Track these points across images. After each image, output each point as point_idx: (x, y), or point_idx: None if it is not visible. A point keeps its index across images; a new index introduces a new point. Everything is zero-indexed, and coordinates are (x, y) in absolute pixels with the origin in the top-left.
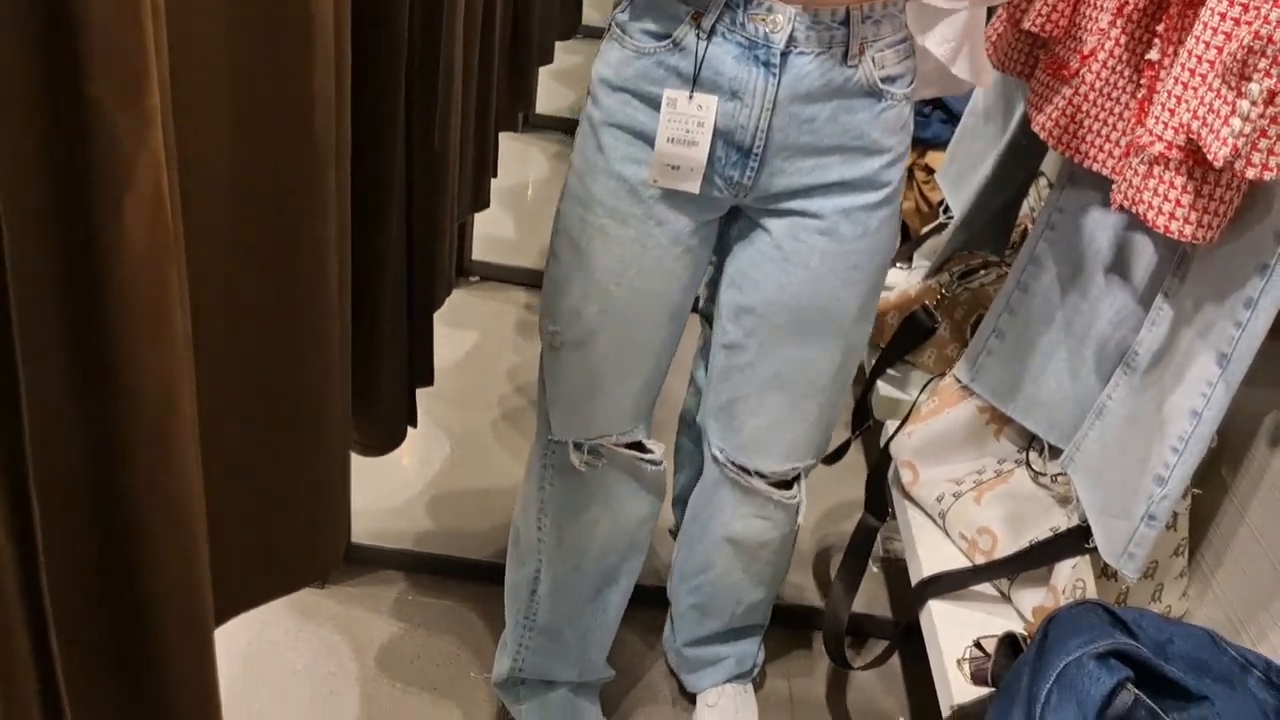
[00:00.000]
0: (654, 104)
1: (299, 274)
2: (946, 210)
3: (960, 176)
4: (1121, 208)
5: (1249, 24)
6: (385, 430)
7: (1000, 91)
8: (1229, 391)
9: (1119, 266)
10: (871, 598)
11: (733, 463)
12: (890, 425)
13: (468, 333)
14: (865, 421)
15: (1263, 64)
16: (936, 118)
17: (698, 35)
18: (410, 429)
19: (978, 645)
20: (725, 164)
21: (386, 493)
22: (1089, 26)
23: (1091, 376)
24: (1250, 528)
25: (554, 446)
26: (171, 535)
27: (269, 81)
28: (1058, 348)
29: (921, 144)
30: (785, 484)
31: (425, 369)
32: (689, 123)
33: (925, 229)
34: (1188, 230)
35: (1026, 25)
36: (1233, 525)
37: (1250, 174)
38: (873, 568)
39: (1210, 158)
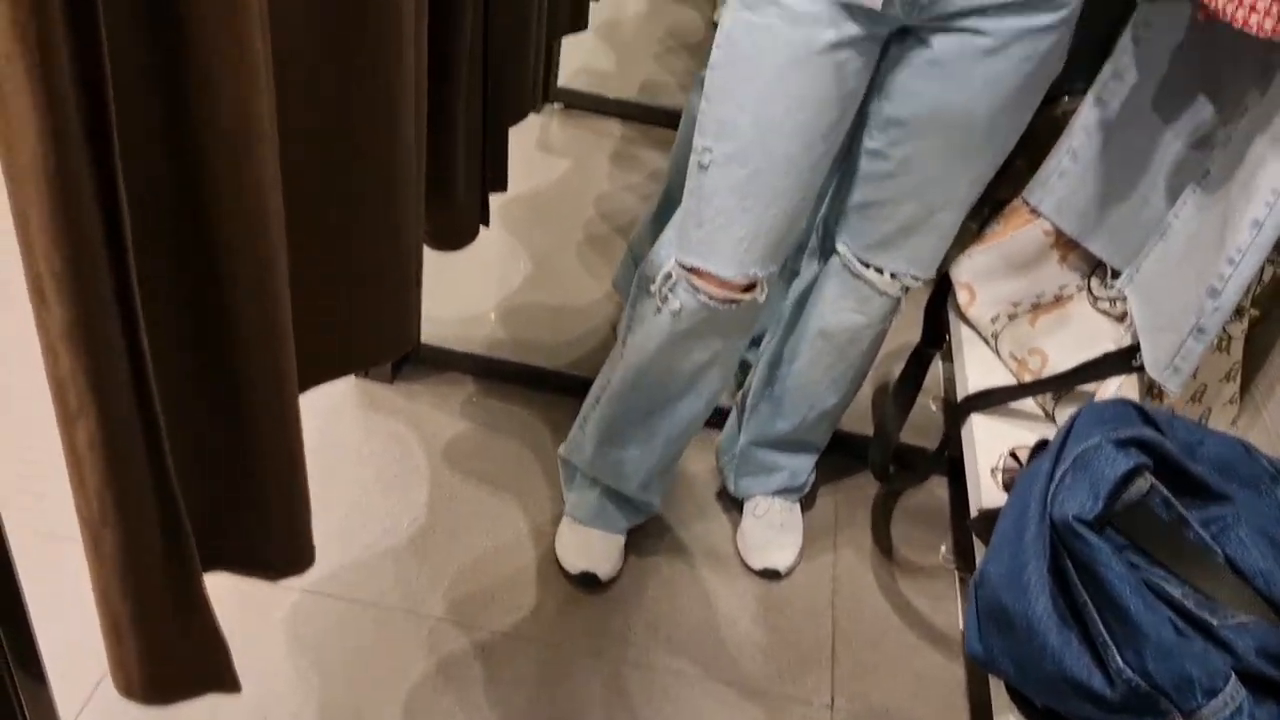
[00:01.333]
0: None
1: (376, 53)
2: None
3: None
4: (1208, 18)
5: None
6: (458, 224)
7: None
8: None
9: (1204, 83)
10: (928, 435)
11: (858, 259)
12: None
13: (556, 159)
14: None
15: None
16: None
17: None
18: (486, 230)
19: (1012, 455)
20: None
21: (461, 301)
22: None
23: (1162, 201)
24: None
25: (662, 279)
26: (251, 253)
27: None
28: (1131, 169)
29: None
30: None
31: (500, 172)
32: None
33: None
34: (1268, 25)
35: None
36: None
37: None
38: (931, 406)
39: None
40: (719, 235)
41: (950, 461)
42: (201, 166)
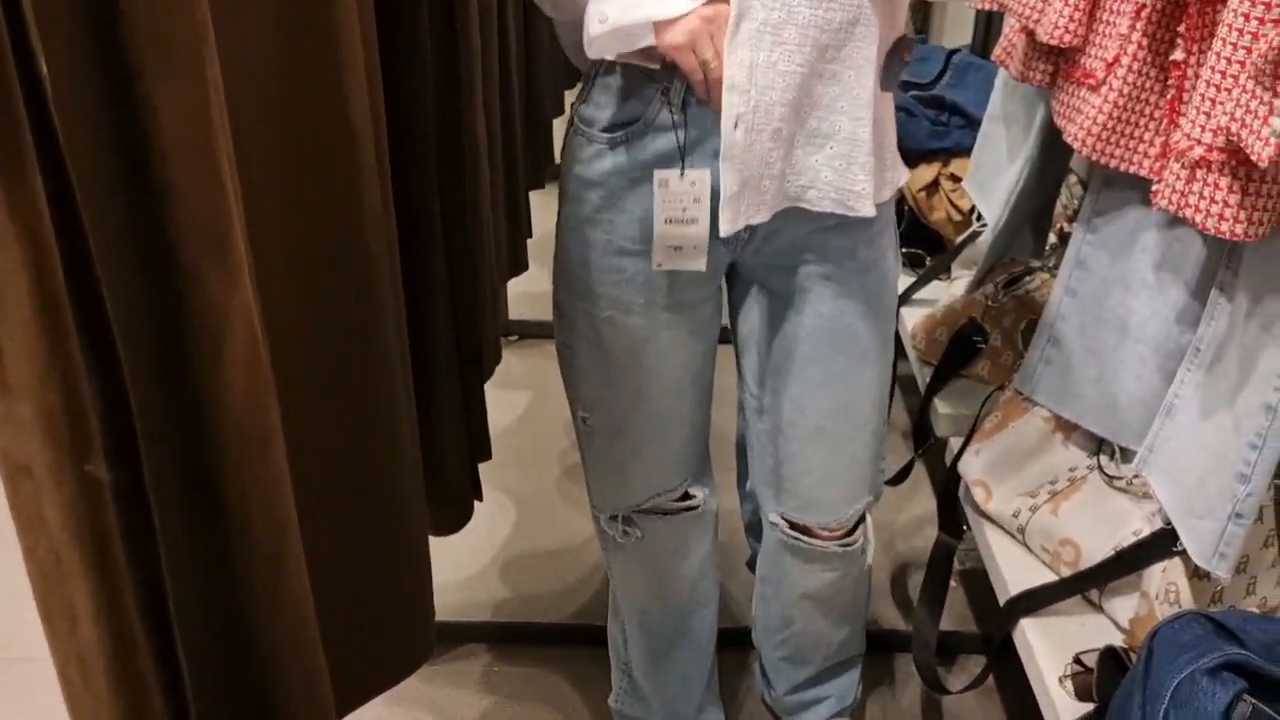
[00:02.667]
0: (640, 189)
1: (370, 374)
2: (979, 217)
3: (988, 182)
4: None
5: (1275, 23)
6: (454, 508)
7: (1018, 94)
8: None
9: (1167, 263)
10: (956, 614)
11: (792, 524)
12: (954, 442)
13: (518, 393)
14: (927, 440)
15: None
16: (955, 124)
17: (671, 110)
18: (479, 501)
19: (1078, 661)
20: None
21: (459, 565)
22: (1109, 33)
23: (1154, 376)
24: None
25: (598, 515)
26: (294, 658)
27: (324, 221)
28: (1116, 349)
29: (943, 153)
30: (848, 532)
31: (483, 442)
32: (684, 200)
33: (960, 238)
34: (1239, 229)
35: (1042, 38)
36: None
37: None
38: (951, 582)
39: (1255, 158)
40: (630, 481)
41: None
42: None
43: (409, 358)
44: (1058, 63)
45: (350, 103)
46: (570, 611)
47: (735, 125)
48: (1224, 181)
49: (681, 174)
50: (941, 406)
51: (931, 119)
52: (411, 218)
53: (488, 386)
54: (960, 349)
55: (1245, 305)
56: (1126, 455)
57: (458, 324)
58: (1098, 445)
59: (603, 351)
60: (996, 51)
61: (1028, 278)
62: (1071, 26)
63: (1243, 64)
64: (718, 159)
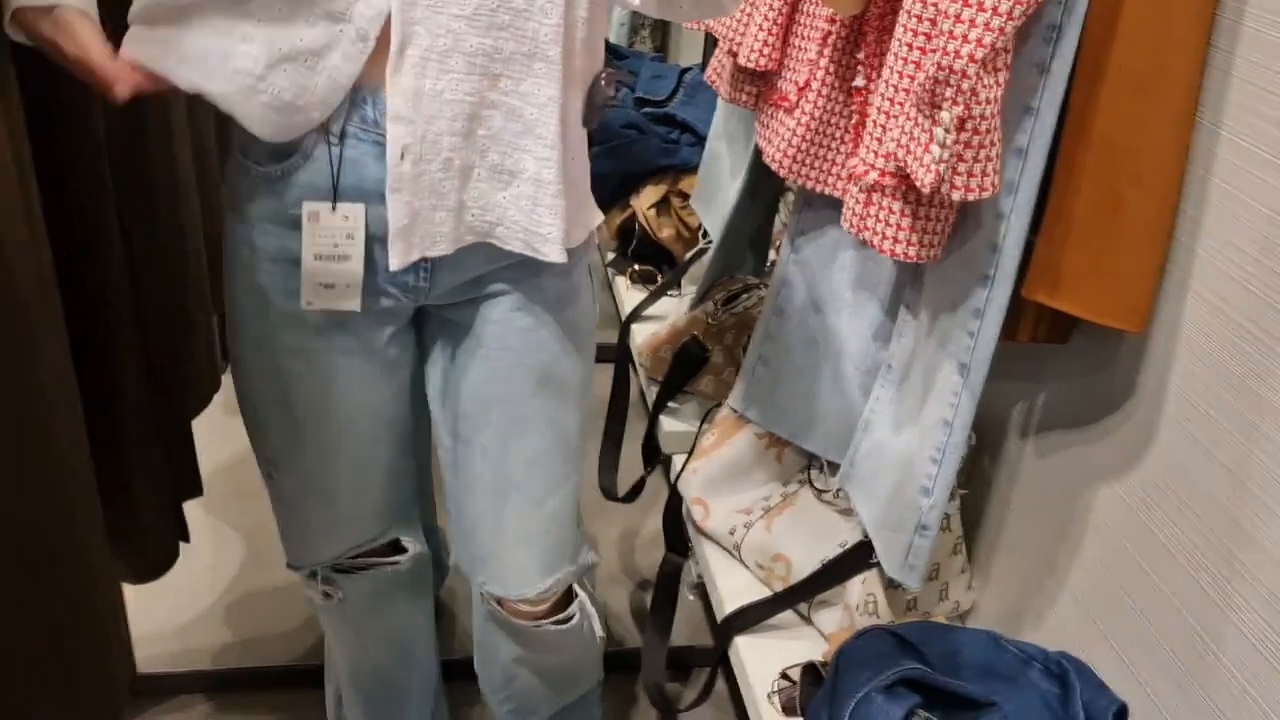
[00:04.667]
0: (298, 224)
1: (20, 418)
2: (706, 234)
3: (712, 199)
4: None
5: (932, 53)
6: (152, 554)
7: (738, 113)
8: (974, 399)
9: (863, 282)
10: (694, 628)
11: (495, 598)
12: (678, 459)
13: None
14: (654, 457)
15: (949, 92)
16: (685, 141)
17: (329, 142)
18: (186, 543)
19: (784, 676)
20: (395, 271)
21: (175, 610)
22: (800, 58)
23: (856, 391)
24: (1014, 516)
25: (305, 581)
26: None
27: None
28: (820, 366)
29: (672, 170)
30: (555, 607)
31: (191, 480)
32: (336, 235)
33: (688, 254)
34: (912, 251)
35: (741, 61)
36: (999, 516)
37: (955, 196)
38: (689, 596)
39: (918, 185)
40: (323, 535)
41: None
42: None
43: (76, 398)
44: (760, 85)
45: None
46: (298, 653)
47: (401, 156)
48: (896, 205)
49: (334, 207)
50: (667, 424)
51: (662, 136)
52: (83, 250)
53: (219, 415)
54: (683, 366)
55: (926, 323)
56: (836, 470)
57: (150, 359)
58: (809, 460)
59: (282, 400)
60: (708, 72)
61: (745, 295)
62: (767, 51)
63: (907, 91)
64: (378, 200)
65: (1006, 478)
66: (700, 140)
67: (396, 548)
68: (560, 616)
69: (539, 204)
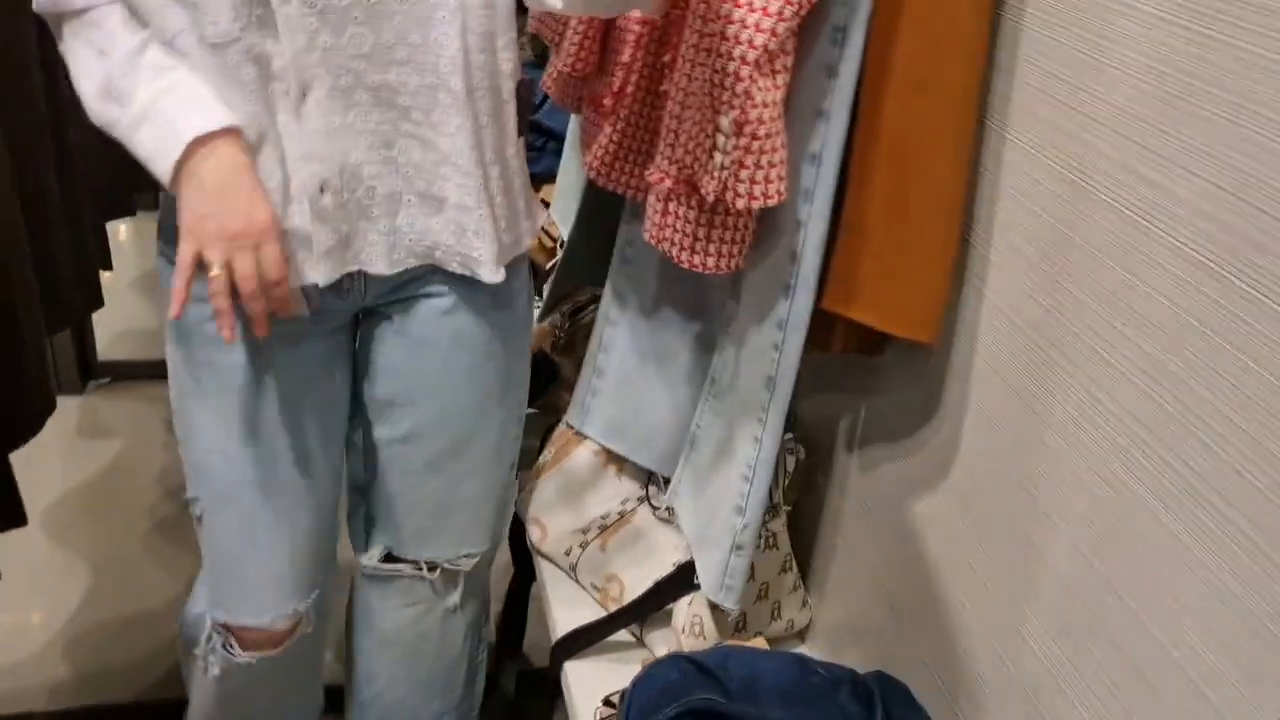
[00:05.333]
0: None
1: None
2: (564, 244)
3: (567, 208)
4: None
5: (709, 64)
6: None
7: None
8: (781, 413)
9: (690, 293)
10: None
11: (390, 557)
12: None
13: (106, 441)
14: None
15: (725, 95)
16: (550, 150)
17: None
18: (29, 545)
19: (607, 702)
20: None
21: (7, 648)
22: (616, 61)
23: (687, 406)
24: (846, 530)
25: (205, 641)
26: None
27: None
28: (653, 380)
29: (536, 179)
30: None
31: (12, 510)
32: None
33: (549, 264)
34: (710, 262)
35: (560, 67)
36: (832, 530)
37: (740, 205)
38: None
39: (703, 192)
40: (241, 584)
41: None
42: None
43: None
44: (584, 90)
45: None
46: (144, 685)
47: (322, 191)
48: (690, 214)
49: None
50: (524, 441)
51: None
52: None
53: (74, 434)
54: (533, 381)
55: (739, 336)
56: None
57: None
58: (648, 477)
59: (216, 412)
60: (544, 79)
61: (592, 306)
62: (583, 55)
63: (695, 95)
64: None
65: (837, 491)
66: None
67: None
68: (447, 584)
69: (466, 229)
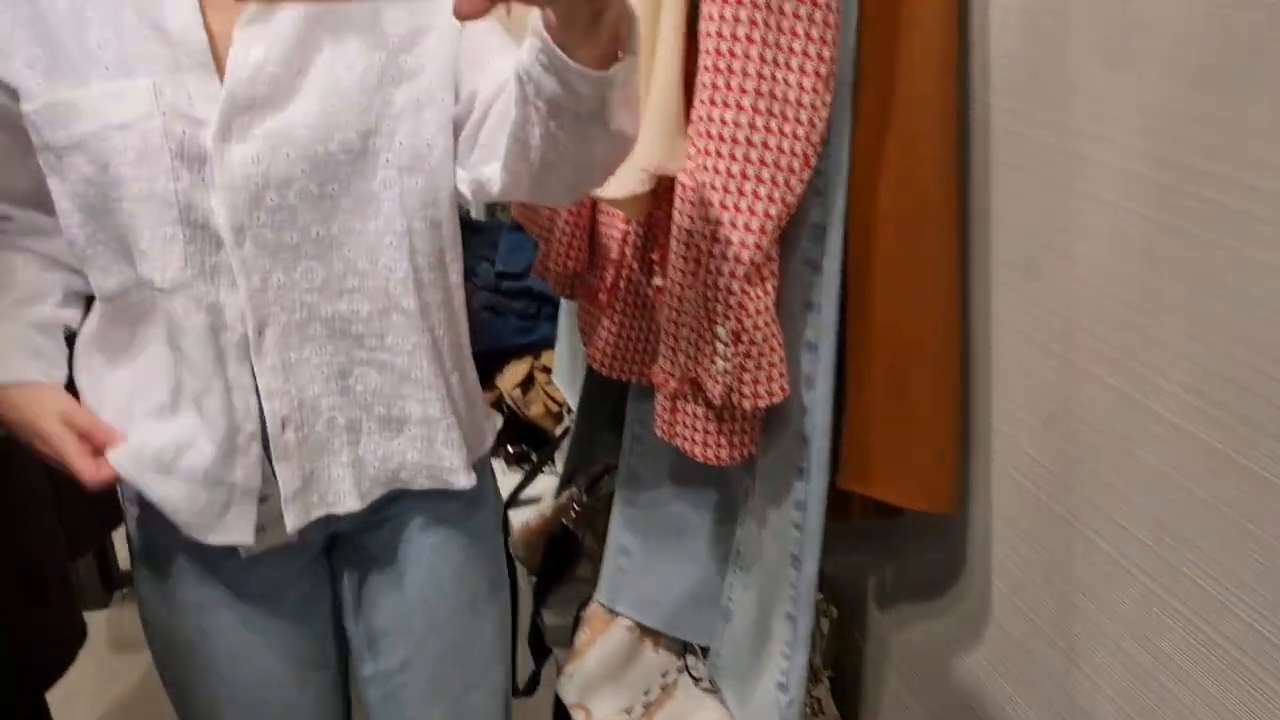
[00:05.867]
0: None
1: None
2: (571, 410)
3: (574, 375)
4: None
5: (697, 271)
6: None
7: None
8: (811, 588)
9: (704, 466)
10: None
11: None
12: (560, 653)
13: (136, 655)
14: (542, 651)
15: (719, 308)
16: (544, 315)
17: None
18: None
19: None
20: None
21: None
22: (606, 257)
23: (715, 576)
24: (889, 689)
25: None
26: None
27: None
28: (678, 553)
29: (533, 347)
30: None
31: None
32: None
33: (559, 429)
34: (723, 454)
35: (551, 265)
36: (875, 689)
37: (746, 405)
38: None
39: (710, 396)
40: None
41: None
42: None
43: None
44: (575, 280)
45: None
46: None
47: (283, 427)
48: (700, 411)
49: None
50: (549, 617)
51: (519, 313)
52: None
53: (105, 652)
54: (557, 557)
55: (759, 512)
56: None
57: None
58: (683, 647)
59: (200, 659)
60: (535, 264)
61: (608, 477)
62: (573, 254)
63: (691, 302)
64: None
65: (876, 649)
66: (558, 312)
67: None
68: None
69: (434, 441)
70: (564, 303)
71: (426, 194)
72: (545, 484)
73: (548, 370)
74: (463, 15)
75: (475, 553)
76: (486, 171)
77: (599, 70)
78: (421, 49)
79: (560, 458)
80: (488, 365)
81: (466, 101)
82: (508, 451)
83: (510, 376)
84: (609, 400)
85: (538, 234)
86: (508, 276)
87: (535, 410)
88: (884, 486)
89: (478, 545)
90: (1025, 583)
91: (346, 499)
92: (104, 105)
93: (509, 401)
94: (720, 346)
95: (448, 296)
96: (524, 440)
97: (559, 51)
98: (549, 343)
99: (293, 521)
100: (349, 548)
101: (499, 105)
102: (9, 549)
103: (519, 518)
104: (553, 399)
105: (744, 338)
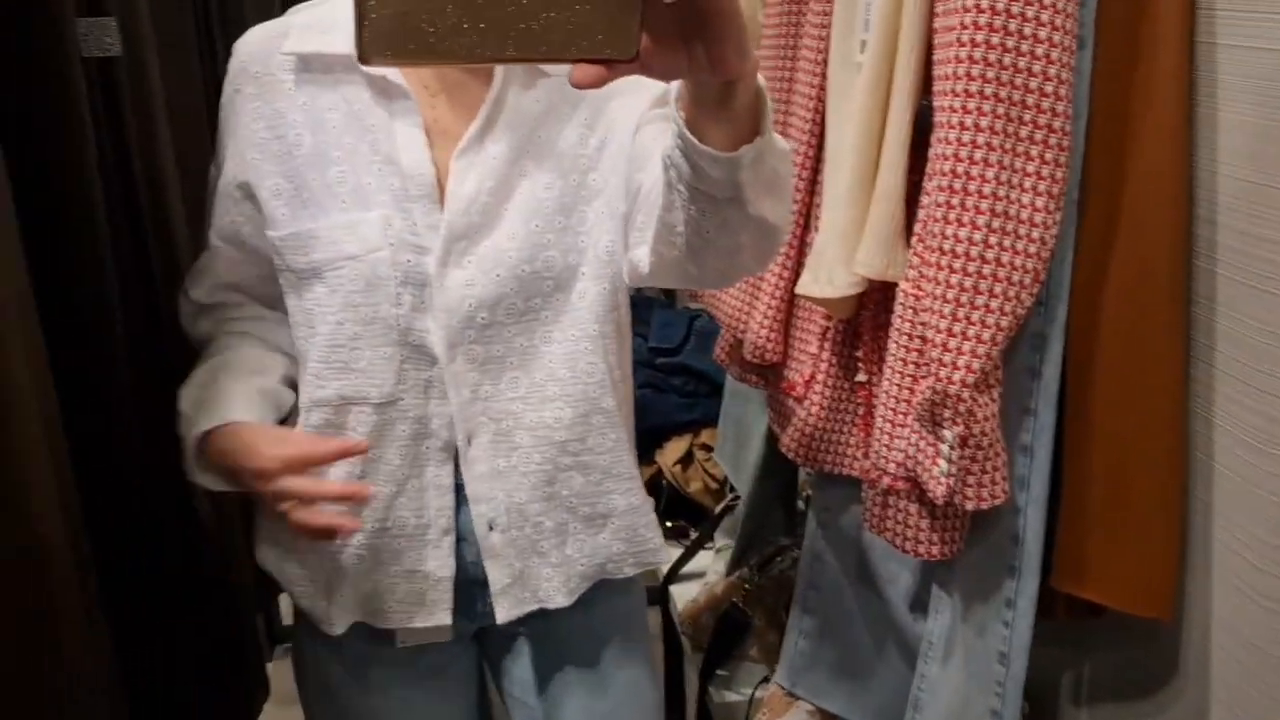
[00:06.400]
0: None
1: None
2: (734, 488)
3: (737, 454)
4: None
5: (925, 376)
6: None
7: None
8: (1018, 686)
9: (895, 553)
10: None
11: None
12: None
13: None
14: None
15: (947, 414)
16: (702, 393)
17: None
18: None
19: None
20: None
21: None
22: (803, 350)
23: (901, 663)
24: None
25: None
26: None
27: None
28: (863, 639)
29: (694, 425)
30: None
31: None
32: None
33: (719, 507)
34: (935, 550)
35: (746, 355)
36: None
37: (969, 506)
38: None
39: (931, 496)
40: None
41: None
42: None
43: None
44: (768, 371)
45: None
46: None
47: (490, 529)
48: (914, 508)
49: None
50: (716, 695)
51: (679, 390)
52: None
53: (270, 706)
54: (727, 634)
55: (960, 606)
56: None
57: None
58: None
59: None
60: (716, 350)
61: (780, 558)
62: (770, 345)
63: (910, 404)
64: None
65: None
66: (716, 389)
67: None
68: None
69: (638, 528)
70: (730, 382)
71: (611, 297)
72: (703, 559)
73: (706, 448)
74: (580, 85)
75: (631, 645)
76: (638, 254)
77: (728, 152)
78: (604, 164)
79: (719, 535)
80: (649, 442)
81: (631, 197)
82: (666, 527)
83: (671, 453)
84: (782, 481)
85: (725, 323)
86: (662, 353)
87: (694, 487)
88: (1100, 589)
89: (633, 639)
90: (1251, 695)
91: (556, 596)
92: (338, 235)
93: (669, 477)
94: (945, 449)
95: (629, 387)
96: (682, 516)
97: (688, 132)
98: (708, 420)
99: (503, 614)
100: (504, 646)
101: (651, 188)
102: (221, 612)
103: (683, 596)
104: (711, 476)
105: (970, 442)
